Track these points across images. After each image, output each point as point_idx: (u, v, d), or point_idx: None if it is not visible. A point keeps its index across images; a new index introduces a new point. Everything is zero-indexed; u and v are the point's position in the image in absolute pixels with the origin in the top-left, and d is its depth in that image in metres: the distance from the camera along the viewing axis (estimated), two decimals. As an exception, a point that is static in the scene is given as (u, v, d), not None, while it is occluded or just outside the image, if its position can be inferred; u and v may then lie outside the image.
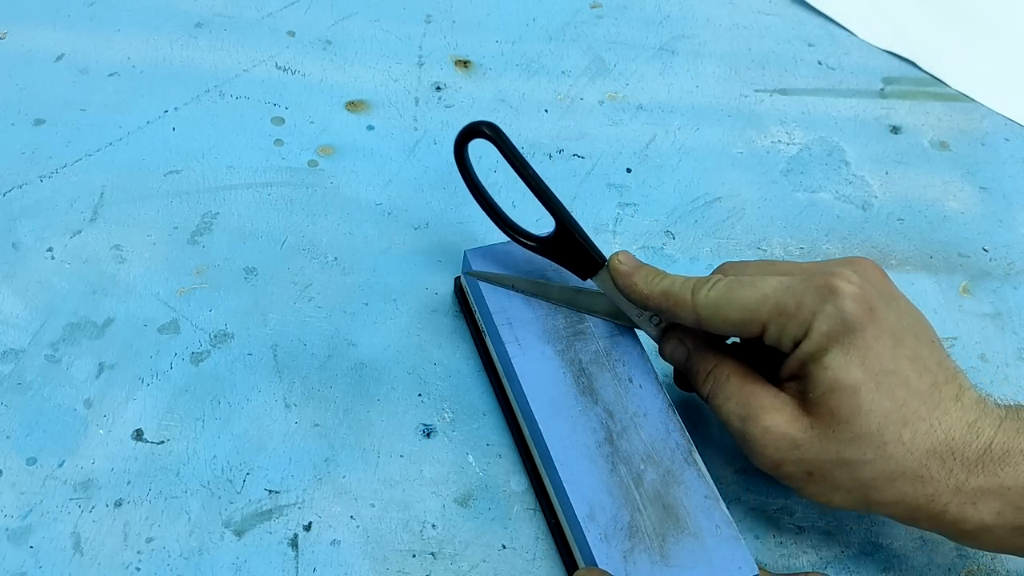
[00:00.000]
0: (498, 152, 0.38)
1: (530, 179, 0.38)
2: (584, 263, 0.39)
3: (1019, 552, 0.33)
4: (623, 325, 0.40)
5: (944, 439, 0.32)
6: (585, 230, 0.39)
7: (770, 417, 0.34)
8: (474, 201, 0.41)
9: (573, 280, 0.41)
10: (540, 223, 0.40)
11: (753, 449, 0.35)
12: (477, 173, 0.41)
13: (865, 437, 0.32)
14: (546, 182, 0.38)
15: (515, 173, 0.38)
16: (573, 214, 0.39)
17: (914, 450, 0.32)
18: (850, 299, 0.33)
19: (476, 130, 0.38)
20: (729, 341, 0.39)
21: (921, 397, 0.33)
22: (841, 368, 0.33)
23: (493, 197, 0.41)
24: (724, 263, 0.39)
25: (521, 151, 0.39)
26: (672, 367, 0.41)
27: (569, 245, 0.39)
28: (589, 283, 0.40)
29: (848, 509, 0.35)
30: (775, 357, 0.36)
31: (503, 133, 0.38)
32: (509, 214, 0.41)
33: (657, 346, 0.40)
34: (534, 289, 0.41)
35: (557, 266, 0.40)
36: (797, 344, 0.34)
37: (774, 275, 0.35)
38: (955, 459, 0.32)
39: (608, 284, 0.39)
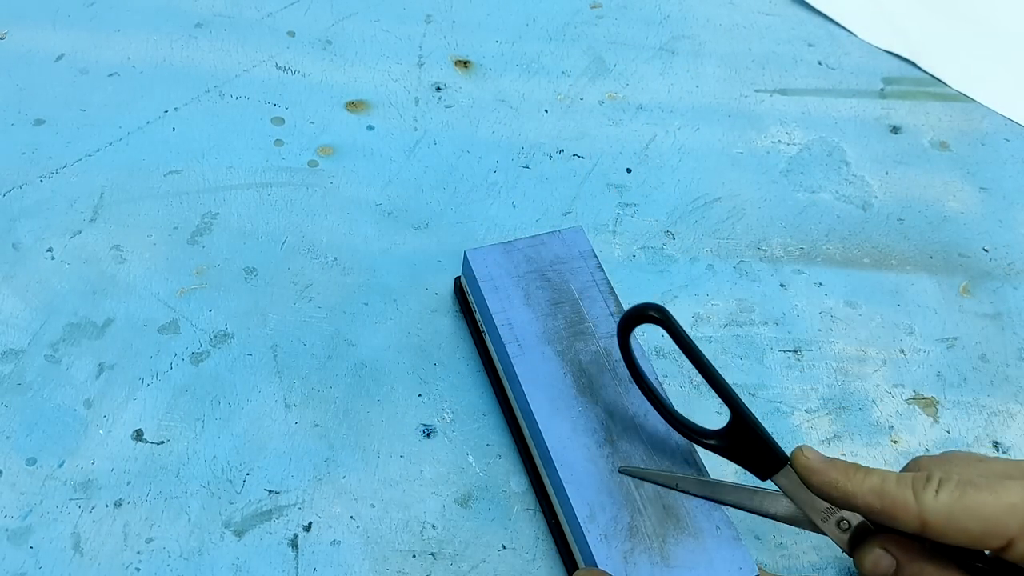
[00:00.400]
0: (666, 336, 0.34)
1: (704, 367, 0.34)
2: (764, 461, 0.34)
3: None
4: (805, 529, 0.35)
5: None
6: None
7: None
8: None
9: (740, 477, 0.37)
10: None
11: None
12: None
13: None
14: (715, 367, 0.34)
15: (688, 360, 0.34)
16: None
17: None
18: None
19: (643, 314, 0.34)
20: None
21: None
22: None
23: (661, 391, 0.38)
24: (917, 458, 0.33)
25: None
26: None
27: (747, 440, 0.35)
28: (768, 483, 0.35)
29: None
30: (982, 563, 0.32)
31: (671, 315, 0.34)
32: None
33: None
34: (703, 490, 0.36)
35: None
36: None
37: (999, 476, 0.30)
38: None
39: (791, 483, 0.34)
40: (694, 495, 0.36)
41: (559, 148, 0.52)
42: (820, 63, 0.59)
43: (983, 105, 0.58)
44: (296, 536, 0.38)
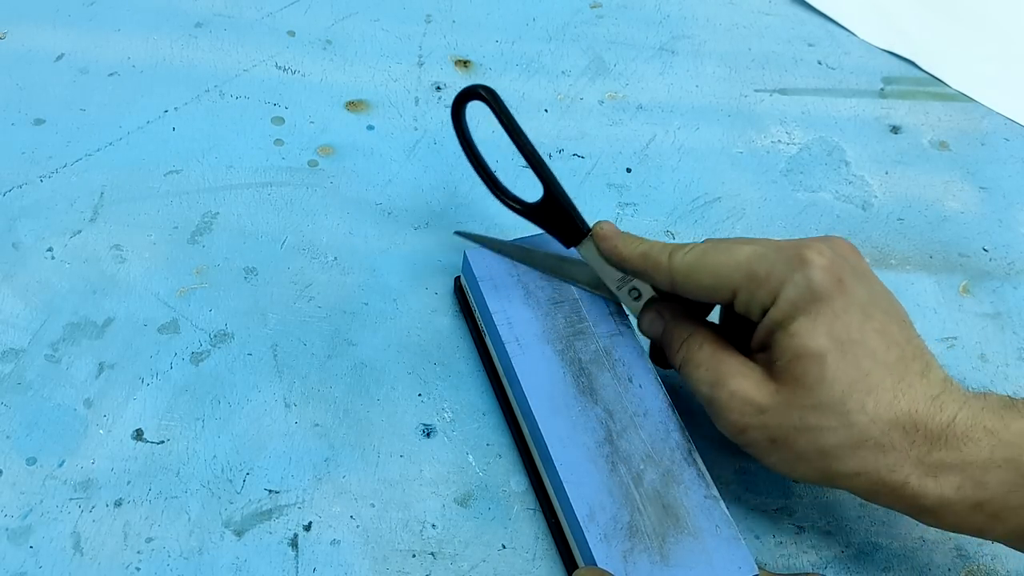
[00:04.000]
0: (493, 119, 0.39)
1: (523, 144, 0.39)
2: (569, 231, 0.40)
3: (977, 532, 0.33)
4: (603, 296, 0.41)
5: (907, 410, 0.32)
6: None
7: (736, 382, 0.35)
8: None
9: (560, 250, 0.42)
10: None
11: (719, 413, 0.35)
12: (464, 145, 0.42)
13: (828, 404, 0.33)
14: (534, 147, 0.39)
15: (508, 138, 0.39)
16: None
17: (877, 419, 0.32)
18: (819, 269, 0.33)
19: (473, 92, 0.39)
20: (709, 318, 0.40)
21: (886, 368, 0.33)
22: (807, 335, 0.33)
23: (487, 162, 0.42)
24: (707, 239, 0.39)
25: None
26: (650, 345, 0.42)
27: (556, 212, 0.40)
28: (573, 252, 0.41)
29: (812, 482, 0.35)
30: (749, 333, 0.36)
31: (499, 96, 0.39)
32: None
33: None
34: (519, 254, 0.42)
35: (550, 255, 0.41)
36: (765, 312, 0.34)
37: (738, 242, 0.36)
38: (918, 431, 0.32)
39: (591, 253, 0.40)
40: (516, 260, 0.42)
41: (559, 148, 0.52)
42: (820, 63, 0.59)
43: (983, 105, 0.58)
44: (296, 536, 0.38)
